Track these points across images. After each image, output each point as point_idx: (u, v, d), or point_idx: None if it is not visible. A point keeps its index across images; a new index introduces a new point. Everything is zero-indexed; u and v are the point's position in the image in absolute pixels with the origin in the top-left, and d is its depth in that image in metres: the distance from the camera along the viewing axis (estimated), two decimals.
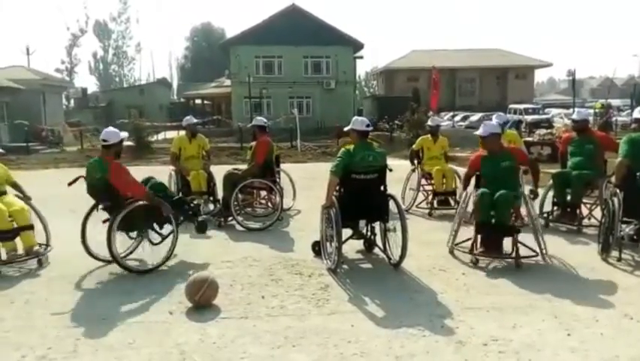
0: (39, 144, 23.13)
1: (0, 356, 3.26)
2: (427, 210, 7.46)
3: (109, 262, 4.92)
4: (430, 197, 7.52)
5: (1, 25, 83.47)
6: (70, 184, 4.95)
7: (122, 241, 4.94)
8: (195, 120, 8.10)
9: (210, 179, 7.51)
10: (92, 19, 61.19)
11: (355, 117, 5.25)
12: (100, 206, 5.02)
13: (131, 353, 3.27)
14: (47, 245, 5.35)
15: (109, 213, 4.92)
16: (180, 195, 6.40)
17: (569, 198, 6.25)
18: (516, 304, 3.99)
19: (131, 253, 5.21)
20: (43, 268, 5.07)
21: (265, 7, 74.75)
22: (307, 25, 31.73)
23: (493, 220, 4.91)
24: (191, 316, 3.82)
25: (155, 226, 5.10)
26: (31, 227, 5.17)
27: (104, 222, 4.88)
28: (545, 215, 6.38)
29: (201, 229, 5.52)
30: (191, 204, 5.65)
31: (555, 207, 6.39)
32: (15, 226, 5.05)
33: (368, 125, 5.11)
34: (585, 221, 6.26)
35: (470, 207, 5.18)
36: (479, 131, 5.33)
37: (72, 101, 47.63)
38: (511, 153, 5.31)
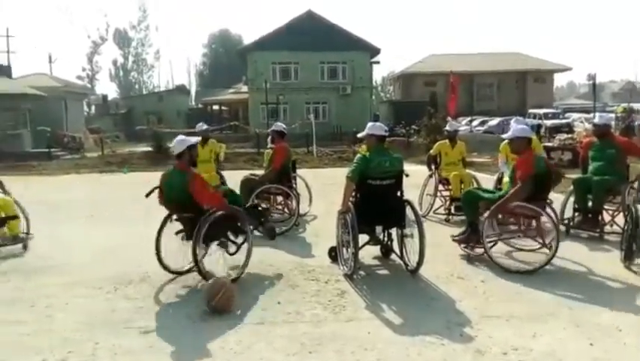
0: (60, 149, 23.57)
1: (21, 360, 3.31)
2: (444, 217, 7.39)
3: (179, 273, 4.83)
4: (448, 203, 7.46)
5: (25, 33, 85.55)
6: (147, 195, 4.85)
7: (186, 252, 4.76)
8: (206, 127, 8.40)
9: (222, 182, 7.67)
10: (112, 28, 62.28)
11: (371, 123, 5.23)
12: (174, 217, 4.84)
13: (149, 358, 3.30)
14: (28, 233, 6.12)
15: (186, 224, 4.76)
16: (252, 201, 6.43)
17: (590, 204, 6.13)
18: (536, 312, 3.92)
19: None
20: (27, 253, 5.78)
21: (282, 13, 75.28)
22: (323, 31, 31.84)
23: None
24: (209, 321, 3.83)
25: (231, 235, 4.96)
26: (16, 217, 5.95)
27: (177, 233, 4.81)
28: (566, 222, 6.26)
29: (270, 235, 5.43)
30: (259, 209, 5.63)
31: (576, 214, 6.27)
32: (3, 215, 5.86)
33: (386, 131, 5.10)
34: (607, 228, 6.12)
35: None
36: (506, 134, 5.39)
37: (93, 108, 48.47)
38: (517, 164, 5.15)
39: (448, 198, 7.51)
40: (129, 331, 3.69)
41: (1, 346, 3.48)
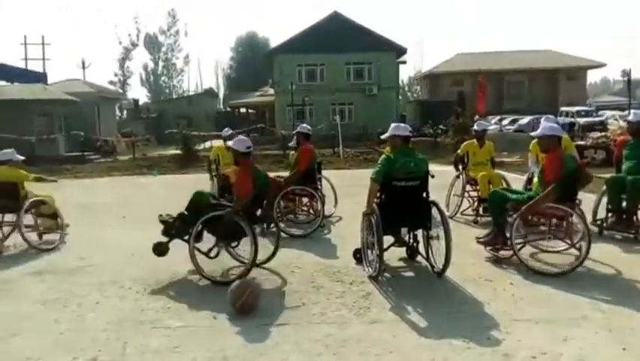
0: (94, 153, 24.24)
1: (54, 358, 3.42)
2: (472, 218, 7.28)
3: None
4: (475, 204, 7.34)
5: (60, 40, 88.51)
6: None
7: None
8: (231, 132, 8.65)
9: None
10: (143, 33, 63.44)
11: (394, 124, 5.19)
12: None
13: (175, 357, 3.36)
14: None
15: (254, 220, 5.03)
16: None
17: (624, 204, 5.94)
18: (567, 315, 3.81)
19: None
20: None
21: (309, 15, 75.63)
22: (349, 32, 31.80)
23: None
24: (234, 321, 3.87)
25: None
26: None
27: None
28: (599, 222, 6.09)
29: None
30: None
31: (609, 214, 6.08)
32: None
33: (410, 131, 5.05)
34: None
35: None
36: (535, 132, 5.26)
37: (125, 112, 49.59)
38: (545, 163, 5.04)
39: (475, 198, 7.39)
40: (157, 331, 3.76)
41: (37, 344, 3.59)
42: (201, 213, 4.89)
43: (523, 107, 37.02)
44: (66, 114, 25.39)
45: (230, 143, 5.42)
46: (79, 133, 23.83)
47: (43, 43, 33.41)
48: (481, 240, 5.36)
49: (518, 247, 4.93)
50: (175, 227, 5.09)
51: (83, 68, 41.70)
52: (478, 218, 7.17)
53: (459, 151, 7.95)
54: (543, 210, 4.89)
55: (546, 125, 5.27)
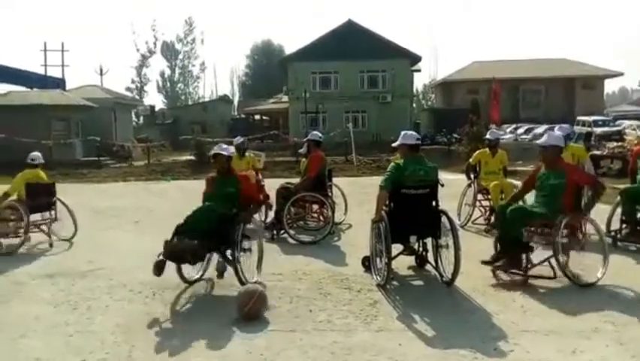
0: (109, 158, 24.55)
1: (63, 360, 3.46)
2: (483, 227, 7.21)
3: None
4: (487, 213, 7.27)
5: (78, 47, 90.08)
6: None
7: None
8: (242, 140, 8.73)
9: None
10: (160, 41, 64.23)
11: (404, 132, 5.18)
12: None
13: None
14: (72, 236, 7.00)
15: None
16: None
17: (638, 215, 5.84)
18: (577, 327, 3.75)
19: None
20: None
21: (323, 23, 75.95)
22: (363, 40, 31.87)
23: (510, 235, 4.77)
24: (240, 327, 3.88)
25: None
26: None
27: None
28: (613, 233, 5.99)
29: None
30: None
31: (624, 225, 5.98)
32: None
33: (418, 139, 5.04)
34: None
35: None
36: (541, 140, 5.16)
37: (141, 118, 50.16)
38: (567, 172, 4.84)
39: (487, 208, 7.32)
40: (164, 335, 3.79)
41: (46, 346, 3.65)
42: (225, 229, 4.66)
43: (539, 116, 36.65)
44: (83, 120, 25.77)
45: (218, 150, 5.17)
46: (95, 138, 24.15)
47: (62, 50, 34.00)
48: (498, 264, 4.83)
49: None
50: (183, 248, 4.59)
51: (101, 74, 42.24)
52: (490, 227, 7.09)
53: (470, 160, 7.90)
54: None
55: (552, 134, 5.21)
